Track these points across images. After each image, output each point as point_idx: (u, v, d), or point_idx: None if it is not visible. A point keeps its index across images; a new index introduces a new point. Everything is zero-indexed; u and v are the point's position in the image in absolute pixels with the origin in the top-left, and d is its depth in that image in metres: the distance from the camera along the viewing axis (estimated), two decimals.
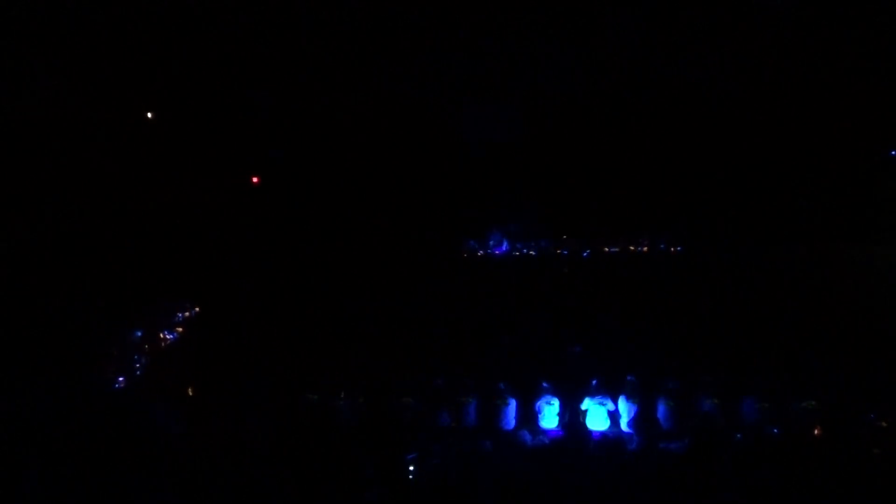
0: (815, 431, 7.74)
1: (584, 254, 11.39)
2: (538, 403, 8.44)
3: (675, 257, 11.20)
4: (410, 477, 7.56)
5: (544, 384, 8.53)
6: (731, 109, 11.30)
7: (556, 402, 8.42)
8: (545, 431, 8.32)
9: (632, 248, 11.33)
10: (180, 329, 10.25)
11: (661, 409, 8.30)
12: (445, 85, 11.80)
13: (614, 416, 8.31)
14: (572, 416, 8.32)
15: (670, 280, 10.56)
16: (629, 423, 8.29)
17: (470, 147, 11.86)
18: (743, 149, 11.23)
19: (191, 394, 9.01)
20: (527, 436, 8.21)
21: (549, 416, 8.40)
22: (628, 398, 8.37)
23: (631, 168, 11.44)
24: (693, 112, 11.38)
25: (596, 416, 8.33)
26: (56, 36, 10.85)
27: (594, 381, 8.48)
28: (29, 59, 10.78)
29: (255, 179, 12.23)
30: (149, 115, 11.85)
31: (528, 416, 8.46)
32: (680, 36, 11.25)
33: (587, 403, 8.38)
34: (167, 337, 10.07)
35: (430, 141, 12.05)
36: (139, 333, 9.91)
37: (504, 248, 11.64)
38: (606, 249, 11.36)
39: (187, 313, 10.53)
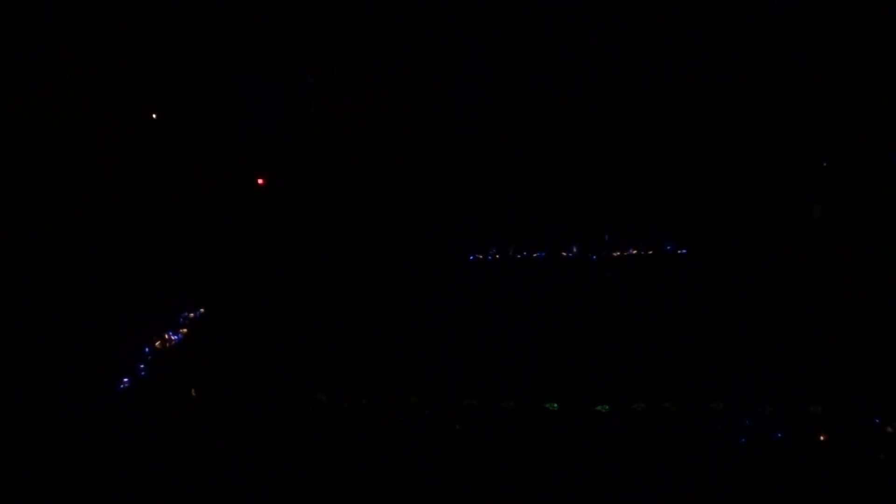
0: (821, 436, 7.68)
1: (593, 257, 11.35)
2: None
3: (679, 260, 11.14)
4: (411, 477, 7.56)
5: None
6: (733, 111, 11.25)
7: None
8: None
9: (635, 251, 11.28)
10: (185, 330, 10.29)
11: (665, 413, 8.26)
12: (448, 86, 11.78)
13: None
14: None
15: (674, 283, 10.52)
16: None
17: (473, 148, 11.85)
18: (746, 151, 11.18)
19: (195, 395, 9.03)
20: None
21: None
22: None
23: (633, 171, 11.40)
24: (696, 115, 11.33)
25: None
26: (59, 36, 10.90)
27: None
28: (32, 60, 10.83)
29: (260, 181, 12.26)
30: (154, 115, 11.90)
31: None
32: (685, 39, 11.21)
33: None
34: (172, 338, 10.10)
35: (433, 142, 12.04)
36: (144, 335, 9.95)
37: (507, 251, 11.61)
38: (616, 254, 11.29)
39: (192, 314, 10.56)
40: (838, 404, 7.80)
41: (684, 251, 11.19)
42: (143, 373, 9.47)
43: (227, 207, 11.94)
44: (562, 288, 10.70)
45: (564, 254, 11.45)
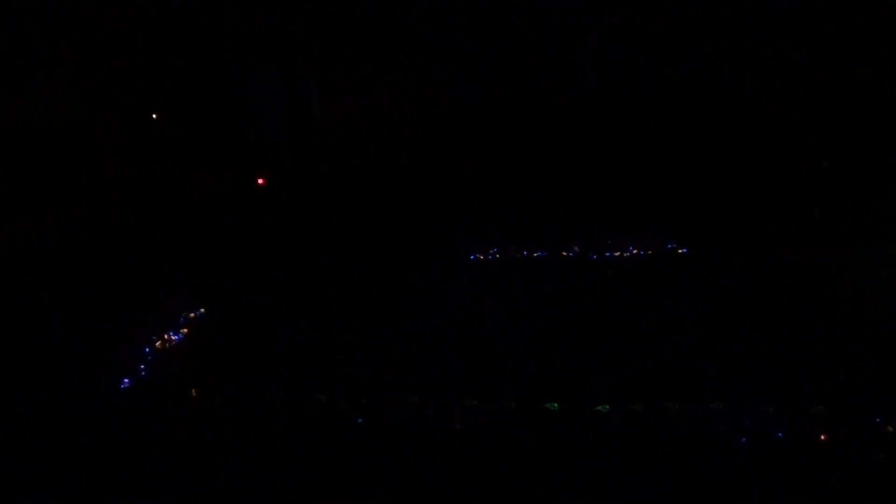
0: (821, 436, 7.68)
1: (593, 257, 11.35)
2: None
3: (679, 260, 11.15)
4: (411, 477, 7.55)
5: None
6: (733, 111, 11.27)
7: None
8: None
9: (635, 251, 11.29)
10: (185, 330, 10.29)
11: (666, 413, 8.26)
12: (448, 86, 11.79)
13: None
14: None
15: (674, 283, 10.52)
16: None
17: (473, 148, 11.85)
18: (746, 151, 11.19)
19: (195, 395, 9.03)
20: None
21: None
22: None
23: (633, 170, 11.41)
24: (696, 115, 11.35)
25: None
26: (59, 36, 10.91)
27: None
28: (32, 60, 10.84)
29: (260, 181, 12.27)
30: (153, 115, 11.91)
31: None
32: (685, 39, 11.22)
33: None
34: (172, 338, 10.10)
35: (433, 141, 12.05)
36: (144, 335, 9.95)
37: (507, 251, 11.61)
38: (617, 254, 11.28)
39: (192, 314, 10.56)
40: (839, 404, 7.80)
41: (684, 251, 11.19)
42: (143, 373, 9.46)
43: (228, 207, 11.94)
44: (562, 288, 10.70)
45: (564, 254, 11.45)
